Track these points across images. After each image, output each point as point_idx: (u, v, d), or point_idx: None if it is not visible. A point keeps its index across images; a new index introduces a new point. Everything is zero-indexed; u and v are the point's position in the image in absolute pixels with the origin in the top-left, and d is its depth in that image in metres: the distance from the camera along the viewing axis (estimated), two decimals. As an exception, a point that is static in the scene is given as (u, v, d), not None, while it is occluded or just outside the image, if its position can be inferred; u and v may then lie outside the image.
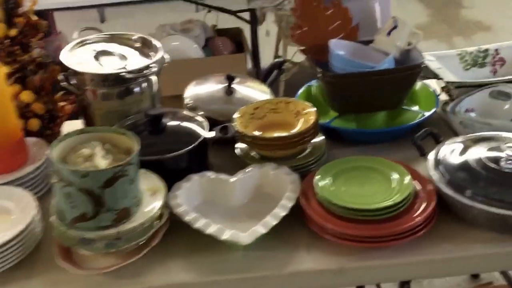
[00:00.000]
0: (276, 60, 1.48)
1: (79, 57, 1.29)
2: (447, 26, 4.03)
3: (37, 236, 1.03)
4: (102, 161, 0.96)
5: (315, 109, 1.18)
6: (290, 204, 1.02)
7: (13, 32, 1.23)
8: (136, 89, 1.27)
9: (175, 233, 1.02)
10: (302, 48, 1.28)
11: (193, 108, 1.32)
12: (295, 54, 2.74)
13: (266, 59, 2.96)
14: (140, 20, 4.16)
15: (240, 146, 1.23)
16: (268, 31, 2.85)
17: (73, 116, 1.43)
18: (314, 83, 1.42)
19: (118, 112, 1.27)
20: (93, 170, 0.92)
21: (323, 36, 1.29)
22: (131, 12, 4.28)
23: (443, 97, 1.35)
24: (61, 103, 1.39)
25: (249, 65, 2.77)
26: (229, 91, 1.35)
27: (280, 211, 1.00)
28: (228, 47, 2.73)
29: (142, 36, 1.35)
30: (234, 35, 2.88)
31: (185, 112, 1.25)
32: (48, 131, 1.33)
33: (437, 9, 4.37)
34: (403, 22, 1.24)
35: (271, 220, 0.98)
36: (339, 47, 1.23)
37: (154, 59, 1.27)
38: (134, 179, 0.96)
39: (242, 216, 1.08)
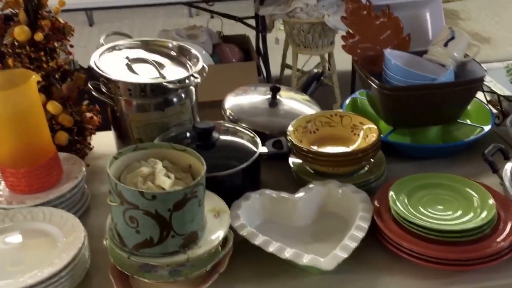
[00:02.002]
0: (316, 70, 1.40)
1: (110, 64, 1.19)
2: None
3: (86, 263, 0.93)
4: (166, 181, 0.86)
5: (373, 125, 1.11)
6: (366, 224, 0.94)
7: (38, 36, 1.12)
8: (176, 100, 1.17)
9: (239, 256, 0.93)
10: (355, 58, 1.21)
11: (235, 121, 1.23)
12: (306, 63, 2.69)
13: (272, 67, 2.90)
14: (130, 24, 4.04)
15: (293, 161, 1.15)
16: (278, 39, 2.78)
17: (98, 129, 1.33)
18: (358, 94, 1.36)
19: (158, 124, 1.17)
20: (163, 192, 0.82)
21: (374, 45, 1.22)
22: (121, 15, 4.16)
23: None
24: (88, 114, 1.28)
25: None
26: (274, 102, 1.27)
27: (358, 233, 0.92)
28: (236, 55, 2.64)
29: (179, 44, 1.25)
30: (240, 42, 2.80)
31: (232, 125, 1.16)
32: (78, 145, 1.22)
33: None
34: (460, 32, 1.18)
35: (350, 243, 0.90)
36: (394, 57, 1.16)
37: (196, 68, 1.18)
38: (202, 201, 0.87)
39: (306, 236, 1.00)
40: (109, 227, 0.89)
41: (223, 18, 2.73)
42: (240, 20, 2.70)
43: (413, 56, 1.21)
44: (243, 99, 1.30)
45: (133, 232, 0.84)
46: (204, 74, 1.20)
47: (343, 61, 2.63)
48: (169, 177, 0.88)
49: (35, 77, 0.98)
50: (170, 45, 1.26)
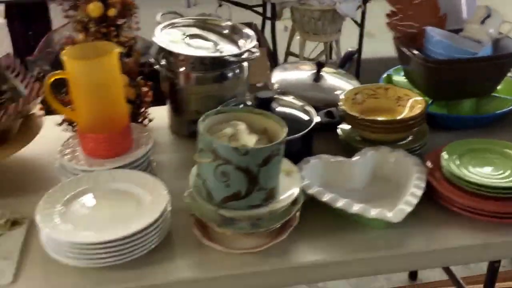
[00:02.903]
0: (350, 49, 1.50)
1: (169, 40, 1.27)
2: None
3: (170, 218, 1.01)
4: (250, 139, 0.95)
5: (419, 97, 1.21)
6: (423, 183, 1.04)
7: (112, 12, 1.19)
8: (232, 74, 1.26)
9: (307, 213, 1.02)
10: (397, 35, 1.30)
11: (282, 93, 1.32)
12: (314, 50, 2.77)
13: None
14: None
15: (342, 129, 1.25)
16: (287, 26, 2.87)
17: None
18: (392, 71, 1.46)
19: (216, 96, 1.25)
20: (255, 148, 0.91)
21: (414, 24, 1.31)
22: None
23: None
24: (144, 88, 1.36)
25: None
26: (318, 78, 1.36)
27: (417, 191, 1.02)
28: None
29: (232, 24, 1.34)
30: (248, 30, 2.87)
31: (286, 97, 1.25)
32: (139, 117, 1.29)
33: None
34: (495, 11, 1.28)
35: (412, 199, 1.00)
36: (436, 34, 1.26)
37: (252, 44, 1.26)
38: (281, 159, 0.96)
39: (361, 199, 1.08)
40: (195, 184, 0.97)
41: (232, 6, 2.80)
42: (250, 8, 2.78)
43: (451, 34, 1.31)
44: (288, 75, 1.39)
45: (223, 186, 0.92)
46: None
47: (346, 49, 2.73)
48: (252, 137, 0.96)
49: (118, 49, 1.05)
50: (223, 24, 1.34)
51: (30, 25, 2.58)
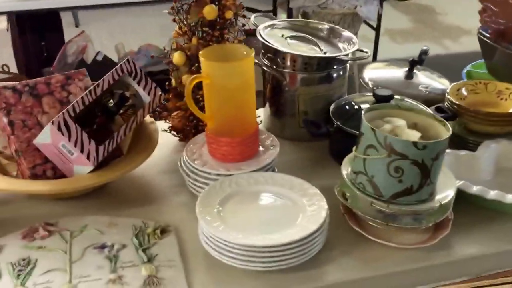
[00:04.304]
0: (424, 48, 1.52)
1: (273, 41, 1.26)
2: (431, 30, 4.30)
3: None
4: (413, 135, 0.95)
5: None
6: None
7: (229, 14, 1.17)
8: (337, 74, 1.26)
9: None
10: (489, 31, 1.34)
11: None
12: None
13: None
14: (123, 23, 4.00)
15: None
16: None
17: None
18: (470, 67, 1.50)
19: (324, 96, 1.25)
20: (432, 142, 0.91)
21: (504, 20, 1.36)
22: (106, 15, 4.10)
23: None
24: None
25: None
26: (410, 75, 1.38)
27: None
28: (259, 50, 2.70)
29: (331, 26, 1.34)
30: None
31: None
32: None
33: (414, 16, 4.63)
34: None
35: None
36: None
37: (353, 47, 1.26)
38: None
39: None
40: (358, 181, 0.96)
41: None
42: (264, 14, 2.78)
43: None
44: (379, 73, 1.41)
45: (395, 182, 0.92)
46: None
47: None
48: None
49: (252, 52, 1.03)
50: (320, 26, 1.34)
51: (43, 35, 2.48)
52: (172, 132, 1.24)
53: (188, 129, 1.21)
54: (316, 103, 1.25)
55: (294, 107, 1.26)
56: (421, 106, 1.16)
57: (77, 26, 4.18)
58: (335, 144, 1.21)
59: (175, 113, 1.22)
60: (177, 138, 1.26)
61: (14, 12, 2.43)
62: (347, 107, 1.22)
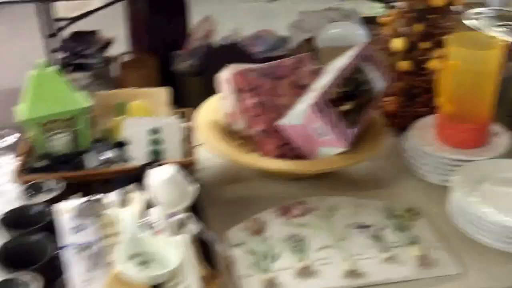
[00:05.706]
0: None
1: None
2: None
3: None
4: None
5: None
6: None
7: (459, 2, 1.19)
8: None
9: None
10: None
11: None
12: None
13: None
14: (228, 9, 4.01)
15: None
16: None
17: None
18: None
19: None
20: None
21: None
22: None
23: None
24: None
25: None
26: None
27: None
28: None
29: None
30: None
31: None
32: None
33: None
34: None
35: None
36: None
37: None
38: None
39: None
40: None
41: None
42: (387, 1, 2.76)
43: None
44: None
45: None
46: None
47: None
48: None
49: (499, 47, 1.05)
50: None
51: (171, 18, 2.53)
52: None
53: (402, 114, 1.23)
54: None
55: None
56: None
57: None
58: None
59: (388, 98, 1.24)
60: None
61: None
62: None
